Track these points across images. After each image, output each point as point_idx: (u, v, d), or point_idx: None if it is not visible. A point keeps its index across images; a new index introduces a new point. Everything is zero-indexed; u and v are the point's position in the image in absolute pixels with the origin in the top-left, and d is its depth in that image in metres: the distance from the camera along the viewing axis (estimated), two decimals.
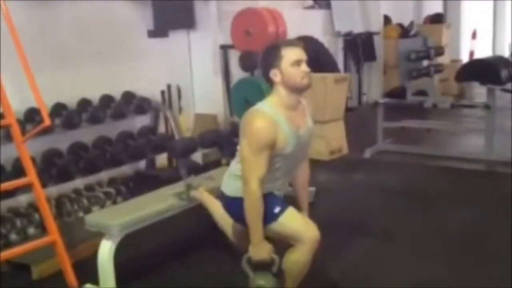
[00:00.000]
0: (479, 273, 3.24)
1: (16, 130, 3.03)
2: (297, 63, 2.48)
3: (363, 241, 3.74)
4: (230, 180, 2.69)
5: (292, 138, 2.50)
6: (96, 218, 3.19)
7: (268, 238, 2.53)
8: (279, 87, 2.51)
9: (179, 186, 3.36)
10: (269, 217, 2.50)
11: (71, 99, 4.39)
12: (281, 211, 2.53)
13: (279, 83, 2.50)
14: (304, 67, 2.49)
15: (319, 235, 2.50)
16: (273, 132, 2.42)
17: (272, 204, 2.54)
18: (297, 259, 2.51)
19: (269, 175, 2.49)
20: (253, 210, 2.44)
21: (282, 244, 2.56)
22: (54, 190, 4.12)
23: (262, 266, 2.48)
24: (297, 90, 2.52)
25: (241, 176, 2.49)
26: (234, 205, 2.63)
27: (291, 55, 2.48)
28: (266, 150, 2.41)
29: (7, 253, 2.98)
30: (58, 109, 4.23)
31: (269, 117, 2.44)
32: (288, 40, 2.52)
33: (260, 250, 2.46)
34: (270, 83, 2.55)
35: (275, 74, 2.50)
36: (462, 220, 4.04)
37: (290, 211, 2.57)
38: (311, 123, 2.68)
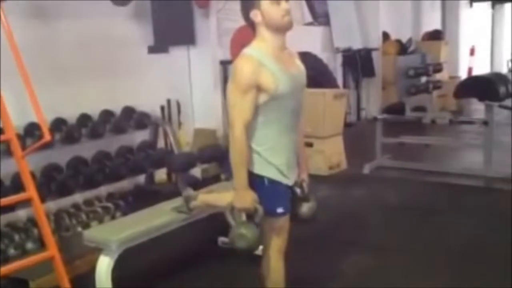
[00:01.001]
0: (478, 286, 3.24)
1: (16, 145, 3.03)
2: (277, 1, 2.37)
3: (362, 255, 3.75)
4: None
5: (283, 76, 2.37)
6: (94, 233, 3.20)
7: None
8: (261, 29, 2.41)
9: (178, 201, 3.35)
10: (268, 210, 2.42)
11: (71, 114, 4.40)
12: (283, 214, 2.48)
13: (261, 24, 2.40)
14: (284, 5, 2.38)
15: (283, 246, 2.54)
16: (255, 71, 2.31)
17: (278, 200, 2.46)
18: (267, 265, 2.53)
19: (266, 130, 2.40)
20: (237, 155, 2.33)
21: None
22: (53, 205, 4.12)
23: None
24: (279, 29, 2.40)
25: None
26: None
27: None
28: (250, 91, 2.31)
29: (5, 268, 2.96)
30: (58, 124, 4.24)
31: (252, 58, 2.34)
32: None
33: (243, 198, 2.35)
34: (252, 26, 2.44)
35: (255, 15, 2.39)
36: (461, 236, 4.04)
37: (287, 217, 2.53)
38: (302, 66, 2.55)
